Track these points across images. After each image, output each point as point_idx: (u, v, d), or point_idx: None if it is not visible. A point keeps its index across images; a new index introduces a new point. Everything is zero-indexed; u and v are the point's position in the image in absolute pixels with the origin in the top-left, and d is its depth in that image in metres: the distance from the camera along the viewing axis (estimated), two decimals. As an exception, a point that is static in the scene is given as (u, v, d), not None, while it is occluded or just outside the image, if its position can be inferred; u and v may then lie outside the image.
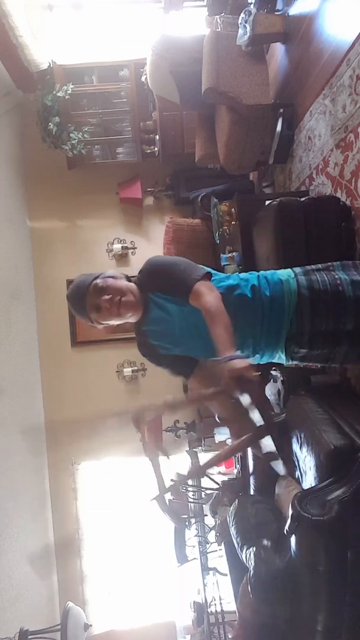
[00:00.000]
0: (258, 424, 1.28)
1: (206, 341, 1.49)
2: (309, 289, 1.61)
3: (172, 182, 5.16)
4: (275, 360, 1.73)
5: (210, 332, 1.43)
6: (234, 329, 1.44)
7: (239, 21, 3.47)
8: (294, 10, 3.43)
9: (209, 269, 1.63)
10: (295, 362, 1.75)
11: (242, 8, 3.54)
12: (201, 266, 1.63)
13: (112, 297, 1.59)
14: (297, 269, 1.70)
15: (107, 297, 1.58)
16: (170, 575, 4.98)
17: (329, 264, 1.73)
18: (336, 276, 1.65)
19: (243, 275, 1.71)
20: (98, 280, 1.61)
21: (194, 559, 4.17)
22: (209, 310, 1.46)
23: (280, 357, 1.71)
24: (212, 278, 1.63)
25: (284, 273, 1.69)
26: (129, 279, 1.71)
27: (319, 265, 1.72)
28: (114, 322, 1.65)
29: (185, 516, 4.33)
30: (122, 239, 5.27)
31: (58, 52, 4.66)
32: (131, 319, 1.67)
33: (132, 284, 1.67)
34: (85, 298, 1.59)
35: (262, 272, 1.72)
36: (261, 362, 1.72)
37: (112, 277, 1.65)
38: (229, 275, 1.71)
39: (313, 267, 1.71)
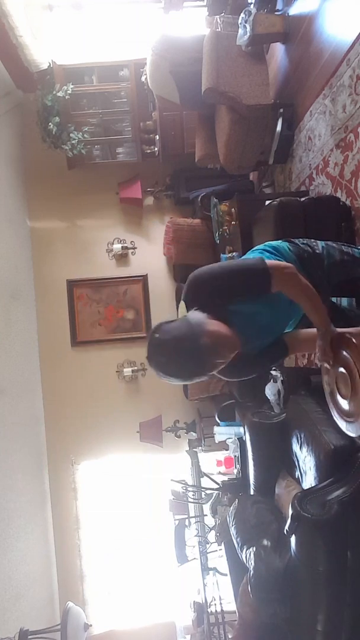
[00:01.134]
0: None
1: (290, 316, 1.66)
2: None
3: (172, 182, 5.16)
4: None
5: (305, 305, 1.59)
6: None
7: (239, 21, 3.47)
8: (294, 10, 3.43)
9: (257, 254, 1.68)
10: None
11: (242, 8, 3.54)
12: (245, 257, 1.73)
13: (230, 349, 1.48)
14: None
15: (227, 354, 1.48)
16: (170, 575, 4.98)
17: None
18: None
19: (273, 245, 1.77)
20: (206, 340, 1.40)
21: (194, 559, 4.17)
22: (297, 287, 1.54)
23: None
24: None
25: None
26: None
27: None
28: None
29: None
30: (122, 239, 5.27)
31: (58, 52, 4.66)
32: None
33: (216, 320, 1.49)
34: (205, 366, 1.43)
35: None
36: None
37: (206, 324, 1.45)
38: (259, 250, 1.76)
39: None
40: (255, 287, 1.52)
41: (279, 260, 1.66)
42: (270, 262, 1.56)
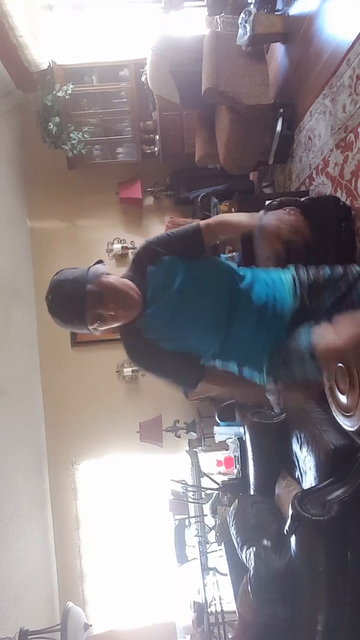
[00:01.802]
0: None
1: (222, 293, 1.49)
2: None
3: (172, 182, 5.16)
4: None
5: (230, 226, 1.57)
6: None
7: (239, 21, 3.46)
8: (294, 10, 3.43)
9: None
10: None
11: (242, 8, 3.54)
12: None
13: (116, 302, 1.42)
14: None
15: (111, 305, 1.41)
16: (170, 575, 4.98)
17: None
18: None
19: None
20: (92, 287, 1.39)
21: (194, 559, 4.17)
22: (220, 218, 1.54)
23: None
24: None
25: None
26: (101, 262, 1.55)
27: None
28: (117, 324, 1.49)
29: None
30: (122, 239, 5.27)
31: (58, 52, 4.66)
32: (132, 318, 1.50)
33: (125, 279, 1.49)
34: (84, 310, 1.38)
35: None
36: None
37: (103, 274, 1.44)
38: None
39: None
40: (187, 236, 1.53)
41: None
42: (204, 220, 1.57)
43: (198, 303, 1.49)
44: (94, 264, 1.51)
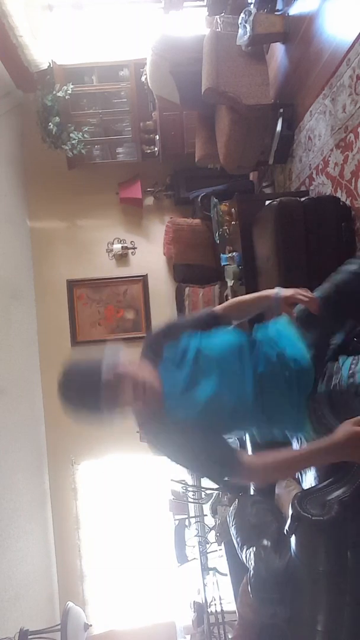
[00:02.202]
0: None
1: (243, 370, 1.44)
2: None
3: (172, 182, 5.16)
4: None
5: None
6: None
7: (239, 21, 3.46)
8: (294, 10, 3.43)
9: None
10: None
11: (242, 8, 3.54)
12: None
13: (135, 393, 1.37)
14: None
15: (129, 396, 1.36)
16: (170, 575, 4.98)
17: None
18: None
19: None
20: (108, 377, 1.33)
21: (194, 559, 4.17)
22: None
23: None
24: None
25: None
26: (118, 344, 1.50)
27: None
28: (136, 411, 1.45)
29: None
30: (122, 239, 5.27)
31: (58, 52, 4.66)
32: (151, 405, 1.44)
33: (142, 363, 1.45)
34: (100, 404, 1.34)
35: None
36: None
37: (118, 363, 1.38)
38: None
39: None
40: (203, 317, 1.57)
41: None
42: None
43: (230, 393, 1.45)
44: (110, 347, 1.44)
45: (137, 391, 1.37)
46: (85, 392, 1.35)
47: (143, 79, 4.48)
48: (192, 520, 4.32)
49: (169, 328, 1.53)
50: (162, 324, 1.56)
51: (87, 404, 1.36)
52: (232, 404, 1.42)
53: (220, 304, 1.64)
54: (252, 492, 2.80)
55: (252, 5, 3.51)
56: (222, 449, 1.41)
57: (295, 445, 1.57)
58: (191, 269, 4.96)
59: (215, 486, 3.70)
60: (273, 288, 1.53)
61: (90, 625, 3.95)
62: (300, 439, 1.56)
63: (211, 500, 3.78)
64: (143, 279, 5.22)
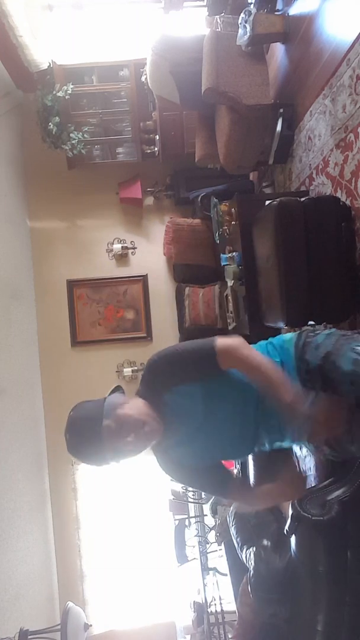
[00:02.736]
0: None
1: (245, 412, 1.47)
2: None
3: (172, 182, 5.16)
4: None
5: (258, 381, 1.41)
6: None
7: (239, 21, 3.46)
8: (294, 10, 3.43)
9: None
10: None
11: (242, 8, 3.54)
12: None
13: (135, 435, 1.40)
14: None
15: (130, 439, 1.39)
16: (170, 575, 4.98)
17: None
18: None
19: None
20: (109, 422, 1.37)
21: (194, 559, 4.17)
22: (246, 359, 1.40)
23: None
24: None
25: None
26: (119, 389, 1.54)
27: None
28: (139, 452, 1.47)
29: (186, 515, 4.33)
30: (122, 239, 5.27)
31: (58, 52, 4.66)
32: (152, 444, 1.50)
33: (140, 403, 1.46)
34: (102, 447, 1.37)
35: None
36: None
37: (119, 406, 1.42)
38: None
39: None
40: (202, 365, 1.43)
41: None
42: (220, 340, 1.45)
43: (225, 427, 1.50)
44: (111, 392, 1.50)
45: (138, 432, 1.40)
46: (87, 441, 1.39)
47: (143, 79, 4.48)
48: (192, 520, 4.32)
49: (172, 373, 1.47)
50: (165, 364, 1.48)
51: (91, 451, 1.40)
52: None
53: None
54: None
55: (252, 5, 3.51)
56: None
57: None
58: (191, 269, 4.97)
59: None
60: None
61: (90, 625, 3.94)
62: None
63: (211, 500, 3.78)
64: (143, 279, 5.22)
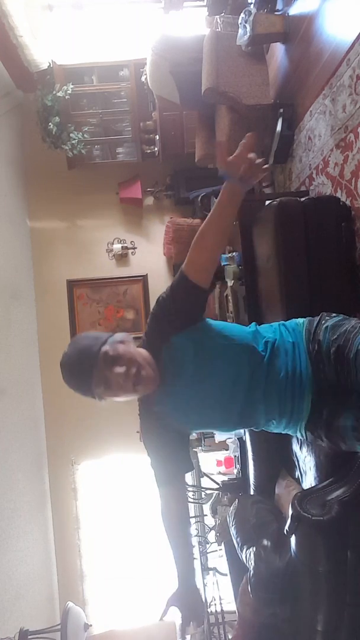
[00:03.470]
0: None
1: (234, 390, 1.45)
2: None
3: (172, 182, 5.16)
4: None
5: (215, 222, 1.43)
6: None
7: (239, 21, 3.46)
8: (294, 10, 3.43)
9: None
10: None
11: (242, 8, 3.54)
12: None
13: (127, 369, 1.36)
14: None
15: (120, 369, 1.35)
16: (171, 575, 4.97)
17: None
18: None
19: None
20: (107, 348, 1.35)
21: (194, 559, 4.16)
22: (195, 239, 1.43)
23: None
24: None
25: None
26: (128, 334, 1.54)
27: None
28: (123, 399, 1.42)
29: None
30: (122, 239, 5.27)
31: (58, 52, 4.67)
32: (142, 393, 1.46)
33: (144, 351, 1.46)
34: (92, 370, 1.33)
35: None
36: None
37: (122, 342, 1.41)
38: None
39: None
40: (178, 286, 1.45)
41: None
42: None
43: (214, 388, 1.47)
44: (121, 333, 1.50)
45: (130, 370, 1.37)
46: (82, 356, 1.36)
47: (143, 79, 4.49)
48: (192, 520, 4.32)
49: (158, 329, 1.49)
50: (151, 323, 1.52)
51: (80, 369, 1.36)
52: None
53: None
54: (252, 492, 2.80)
55: (252, 5, 3.51)
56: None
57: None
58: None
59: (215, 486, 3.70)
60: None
61: (90, 625, 3.95)
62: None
63: (211, 500, 3.78)
64: (143, 279, 5.22)
